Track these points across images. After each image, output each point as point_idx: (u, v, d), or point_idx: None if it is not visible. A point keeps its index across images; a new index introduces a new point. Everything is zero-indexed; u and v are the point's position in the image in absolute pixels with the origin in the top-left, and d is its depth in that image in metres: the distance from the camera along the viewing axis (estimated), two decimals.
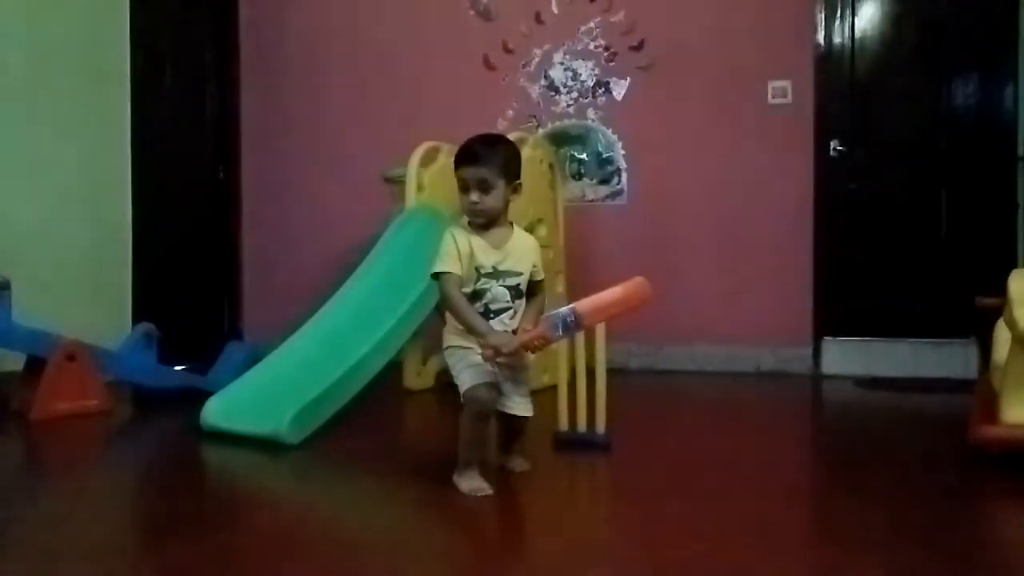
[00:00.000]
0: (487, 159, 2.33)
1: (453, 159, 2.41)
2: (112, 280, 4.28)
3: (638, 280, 2.46)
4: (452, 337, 2.39)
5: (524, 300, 2.41)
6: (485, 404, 2.31)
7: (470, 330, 2.30)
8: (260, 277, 5.21)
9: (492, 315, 2.34)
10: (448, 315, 2.41)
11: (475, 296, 2.34)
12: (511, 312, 2.36)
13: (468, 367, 2.33)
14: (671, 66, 4.58)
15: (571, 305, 2.36)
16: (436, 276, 2.35)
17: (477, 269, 2.34)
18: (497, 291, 2.35)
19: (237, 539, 2.08)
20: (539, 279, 2.45)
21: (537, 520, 2.30)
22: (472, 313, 2.31)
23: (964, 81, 4.40)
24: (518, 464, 2.54)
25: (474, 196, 2.32)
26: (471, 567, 1.95)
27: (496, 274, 2.35)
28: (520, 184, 2.41)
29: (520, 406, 2.43)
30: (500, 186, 2.33)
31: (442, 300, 2.37)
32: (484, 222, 2.36)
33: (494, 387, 2.33)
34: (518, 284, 2.38)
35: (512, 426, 2.50)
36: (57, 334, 3.38)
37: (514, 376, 2.41)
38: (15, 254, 3.63)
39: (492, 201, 2.33)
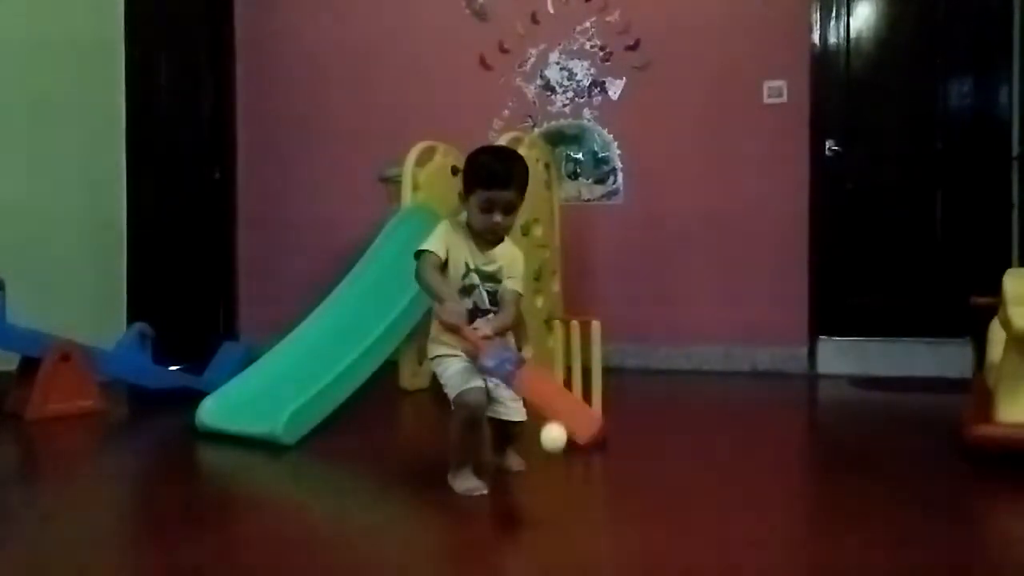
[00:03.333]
0: (515, 182, 2.34)
1: (471, 172, 2.37)
2: (107, 280, 4.28)
3: (592, 415, 2.52)
4: (437, 347, 2.37)
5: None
6: (475, 409, 2.30)
7: (436, 296, 2.28)
8: (255, 277, 5.20)
9: (480, 314, 2.34)
10: (433, 324, 2.39)
11: (465, 292, 2.34)
12: (492, 314, 2.36)
13: (456, 373, 2.32)
14: (667, 66, 4.58)
15: (521, 356, 2.29)
16: (419, 254, 2.33)
17: (466, 263, 2.34)
18: (483, 291, 2.35)
19: (232, 539, 2.08)
20: (513, 290, 2.41)
21: (532, 520, 2.29)
22: (439, 281, 2.30)
23: (959, 81, 4.41)
24: (514, 464, 2.54)
25: (498, 217, 2.33)
26: (466, 567, 1.95)
27: (480, 275, 2.35)
28: (524, 197, 2.43)
29: (514, 412, 2.41)
30: (519, 206, 2.38)
31: (416, 273, 2.33)
32: (498, 241, 2.39)
33: (483, 392, 2.32)
34: (498, 292, 2.38)
35: (506, 431, 2.48)
36: (52, 334, 3.37)
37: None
38: (10, 254, 3.62)
39: (512, 220, 2.37)
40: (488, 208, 2.33)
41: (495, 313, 2.36)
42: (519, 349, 2.43)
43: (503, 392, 2.37)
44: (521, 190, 2.37)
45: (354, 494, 2.52)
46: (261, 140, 5.18)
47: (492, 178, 2.33)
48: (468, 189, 2.36)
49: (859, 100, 4.49)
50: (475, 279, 2.34)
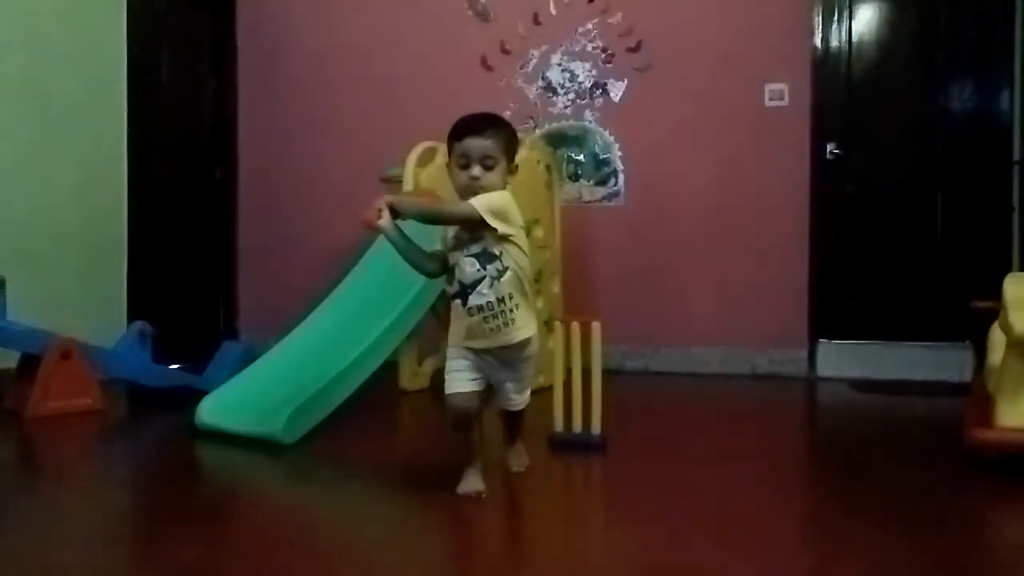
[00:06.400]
0: (492, 133, 2.23)
1: (449, 134, 2.28)
2: (107, 278, 4.28)
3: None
4: (450, 336, 2.34)
5: (500, 263, 2.21)
6: (460, 413, 2.28)
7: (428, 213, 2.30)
8: (256, 276, 5.20)
9: (469, 290, 2.22)
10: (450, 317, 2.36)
11: (451, 273, 2.27)
12: (487, 281, 2.21)
13: (452, 372, 2.29)
14: (668, 68, 4.59)
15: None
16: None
17: (443, 239, 2.29)
18: (464, 262, 2.22)
19: (231, 539, 2.08)
20: (496, 229, 2.18)
21: (531, 521, 2.30)
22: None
23: (960, 84, 4.41)
24: (515, 463, 2.53)
25: (476, 171, 2.20)
26: (464, 567, 1.95)
27: (458, 244, 2.24)
28: (516, 167, 2.32)
29: (514, 402, 2.40)
30: (503, 164, 2.24)
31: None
32: None
33: (471, 397, 2.28)
34: (485, 248, 2.22)
35: (508, 419, 2.50)
36: (52, 332, 3.37)
37: (511, 374, 2.35)
38: (10, 252, 3.62)
39: (493, 178, 2.22)
40: (465, 163, 2.22)
41: (486, 276, 2.20)
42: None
43: (508, 386, 2.36)
44: (504, 147, 2.23)
45: (353, 494, 2.51)
46: (262, 140, 5.18)
47: (465, 128, 2.23)
48: (448, 152, 2.27)
49: (860, 103, 4.49)
50: (453, 258, 2.25)
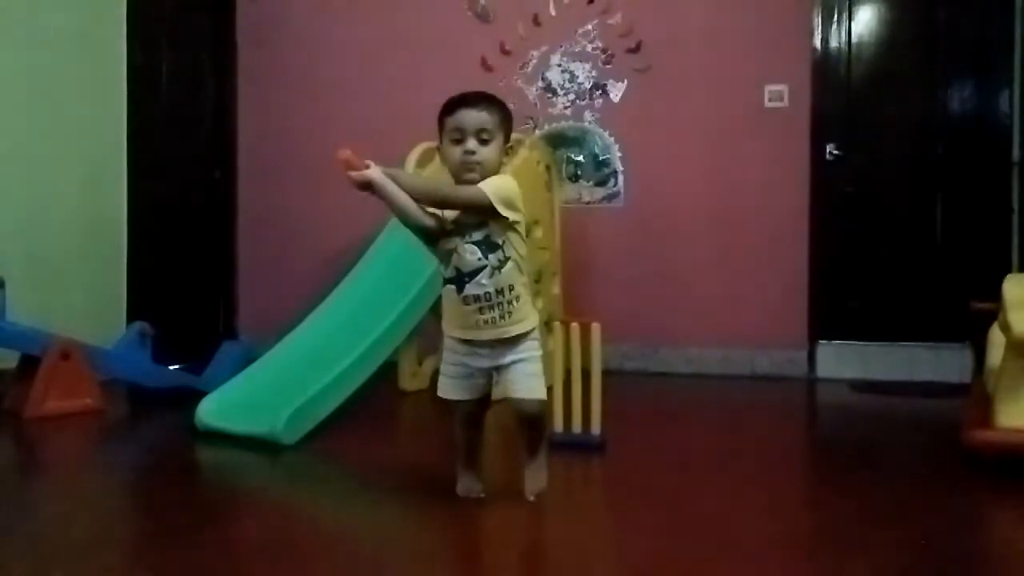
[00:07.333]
0: (487, 106, 2.10)
1: (440, 112, 2.15)
2: (107, 278, 4.27)
3: None
4: (443, 324, 2.23)
5: (502, 252, 2.09)
6: (461, 417, 2.24)
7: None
8: (256, 276, 5.20)
9: (467, 278, 2.09)
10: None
11: (447, 257, 2.12)
12: (487, 270, 2.08)
13: (442, 376, 2.24)
14: (668, 69, 4.59)
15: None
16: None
17: (443, 225, 2.12)
18: (464, 249, 2.09)
19: (231, 539, 2.08)
20: (507, 217, 2.06)
21: (530, 521, 2.29)
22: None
23: (960, 86, 4.41)
24: (529, 486, 2.27)
25: (471, 144, 2.05)
26: (463, 567, 1.96)
27: (459, 228, 2.10)
28: (512, 148, 2.21)
29: (521, 388, 2.13)
30: (499, 140, 2.10)
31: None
32: (477, 180, 2.08)
33: (468, 403, 2.21)
34: (488, 236, 2.09)
35: (521, 426, 2.23)
36: (52, 332, 3.37)
37: (515, 356, 2.15)
38: (9, 252, 3.62)
39: (489, 153, 2.08)
40: (459, 138, 2.07)
41: (488, 265, 2.07)
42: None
43: (515, 368, 2.15)
44: (500, 121, 2.10)
45: (353, 494, 2.52)
46: (261, 140, 5.17)
47: (458, 101, 2.10)
48: (439, 131, 2.13)
49: (860, 104, 4.49)
50: (450, 243, 2.11)
